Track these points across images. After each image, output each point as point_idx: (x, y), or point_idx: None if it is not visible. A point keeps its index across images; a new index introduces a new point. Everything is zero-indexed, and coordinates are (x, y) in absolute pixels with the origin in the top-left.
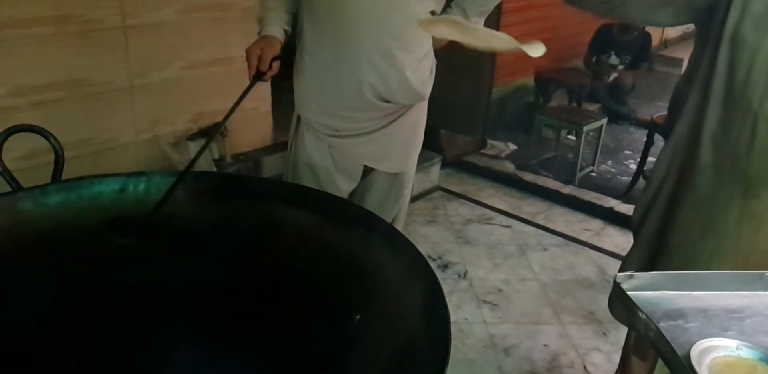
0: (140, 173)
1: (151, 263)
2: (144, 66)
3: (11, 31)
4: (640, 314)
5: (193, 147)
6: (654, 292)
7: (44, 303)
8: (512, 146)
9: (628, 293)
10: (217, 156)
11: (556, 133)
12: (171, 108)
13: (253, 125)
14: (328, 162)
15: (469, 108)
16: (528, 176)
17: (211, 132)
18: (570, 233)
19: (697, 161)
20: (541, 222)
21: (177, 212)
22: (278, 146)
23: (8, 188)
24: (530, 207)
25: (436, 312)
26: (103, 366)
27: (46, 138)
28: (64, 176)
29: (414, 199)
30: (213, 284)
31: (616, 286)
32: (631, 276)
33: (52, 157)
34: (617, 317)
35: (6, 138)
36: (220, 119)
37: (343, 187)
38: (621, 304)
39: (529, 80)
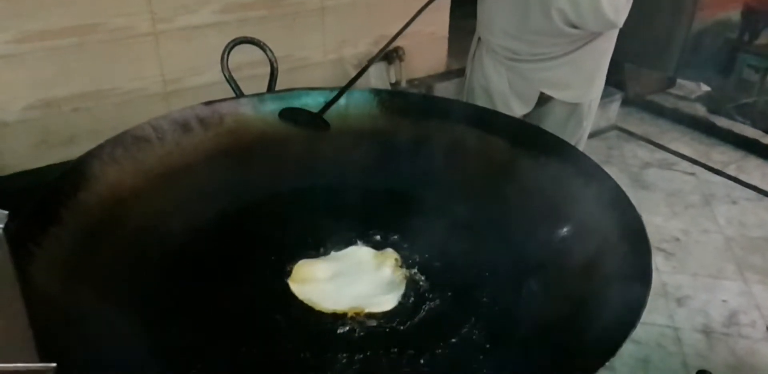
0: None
1: (352, 171)
2: None
3: None
4: None
5: (373, 70)
6: None
7: (257, 195)
8: (705, 87)
9: None
10: (393, 80)
11: (761, 75)
12: (356, 31)
13: (428, 50)
14: (505, 86)
15: (662, 41)
16: (722, 122)
17: (389, 55)
18: (766, 188)
19: None
20: (732, 173)
21: (375, 127)
22: (451, 73)
23: (231, 94)
24: (721, 156)
25: (637, 242)
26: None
27: (263, 50)
28: None
29: (588, 137)
30: (404, 196)
31: None
32: None
33: (255, 70)
34: None
35: (232, 48)
36: (398, 43)
37: (517, 110)
38: None
39: (734, 14)
